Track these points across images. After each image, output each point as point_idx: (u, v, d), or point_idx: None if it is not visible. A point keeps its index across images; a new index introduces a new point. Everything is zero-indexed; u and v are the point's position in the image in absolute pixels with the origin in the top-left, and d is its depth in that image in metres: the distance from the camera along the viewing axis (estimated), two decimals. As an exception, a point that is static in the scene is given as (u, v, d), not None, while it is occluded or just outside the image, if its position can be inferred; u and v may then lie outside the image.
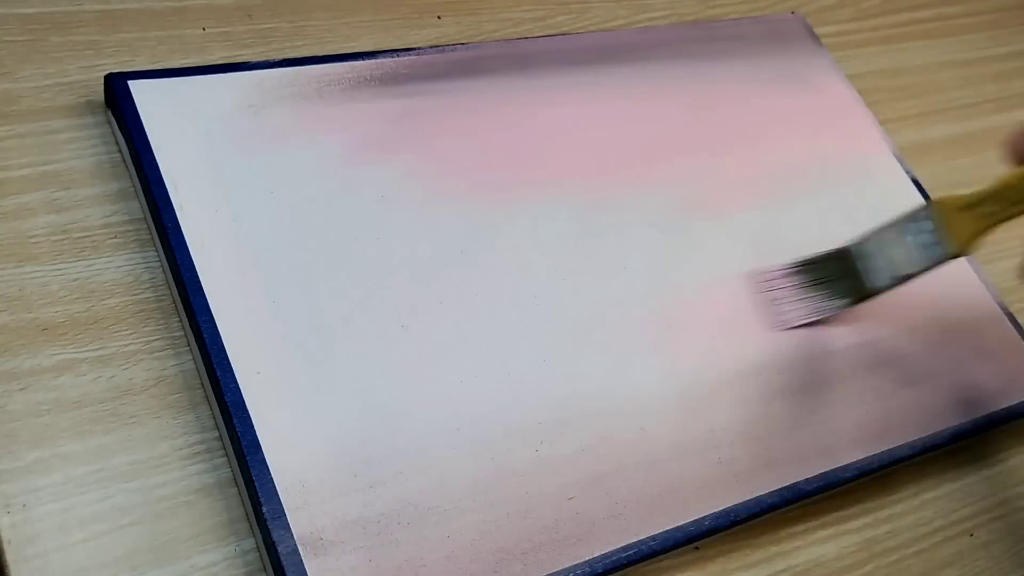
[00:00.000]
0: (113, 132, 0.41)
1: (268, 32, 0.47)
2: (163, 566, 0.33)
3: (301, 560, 0.32)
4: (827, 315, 0.44)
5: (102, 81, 0.41)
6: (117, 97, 0.40)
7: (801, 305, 0.44)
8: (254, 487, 0.33)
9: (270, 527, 0.32)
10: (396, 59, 0.45)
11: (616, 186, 0.45)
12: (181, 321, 0.37)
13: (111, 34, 0.44)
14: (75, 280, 0.37)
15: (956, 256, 0.41)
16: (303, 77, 0.43)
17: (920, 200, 0.52)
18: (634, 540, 0.36)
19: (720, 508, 0.38)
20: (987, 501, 0.45)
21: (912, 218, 0.42)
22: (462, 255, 0.41)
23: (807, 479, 0.40)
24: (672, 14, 0.57)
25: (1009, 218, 0.39)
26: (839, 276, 0.44)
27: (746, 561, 0.40)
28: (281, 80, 0.43)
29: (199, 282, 0.36)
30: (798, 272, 0.45)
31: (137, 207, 0.40)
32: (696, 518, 0.37)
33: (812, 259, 0.45)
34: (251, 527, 0.34)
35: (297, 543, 0.32)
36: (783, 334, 0.44)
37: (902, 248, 0.42)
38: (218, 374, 0.35)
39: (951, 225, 0.40)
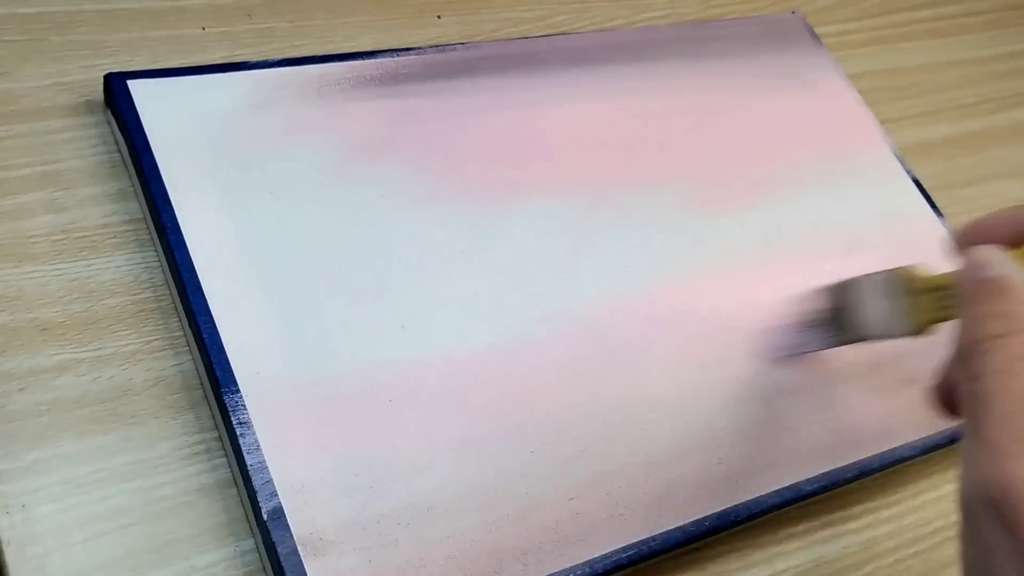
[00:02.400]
0: (113, 132, 0.41)
1: (268, 32, 0.47)
2: (163, 566, 0.33)
3: (301, 560, 0.32)
4: (813, 350, 0.43)
5: (102, 81, 0.41)
6: (117, 97, 0.40)
7: (797, 337, 0.43)
8: (254, 487, 0.33)
9: (270, 527, 0.32)
10: (396, 59, 0.45)
11: (616, 185, 0.45)
12: (181, 321, 0.37)
13: (111, 34, 0.44)
14: (74, 280, 0.37)
15: (910, 335, 0.37)
16: (303, 77, 0.43)
17: (929, 209, 0.51)
18: (634, 540, 0.36)
19: (720, 508, 0.38)
20: (987, 501, 0.45)
21: (890, 281, 0.39)
22: (462, 255, 0.41)
23: (807, 479, 0.40)
24: (672, 14, 0.57)
25: None
26: (834, 313, 0.42)
27: (746, 561, 0.40)
28: (281, 80, 0.43)
29: (199, 282, 0.36)
30: (821, 301, 0.43)
31: (136, 207, 0.40)
32: (696, 518, 0.37)
33: (829, 289, 0.42)
34: (251, 527, 0.34)
35: (297, 543, 0.32)
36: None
37: (878, 308, 0.39)
38: (218, 374, 0.34)
39: (913, 303, 0.37)
